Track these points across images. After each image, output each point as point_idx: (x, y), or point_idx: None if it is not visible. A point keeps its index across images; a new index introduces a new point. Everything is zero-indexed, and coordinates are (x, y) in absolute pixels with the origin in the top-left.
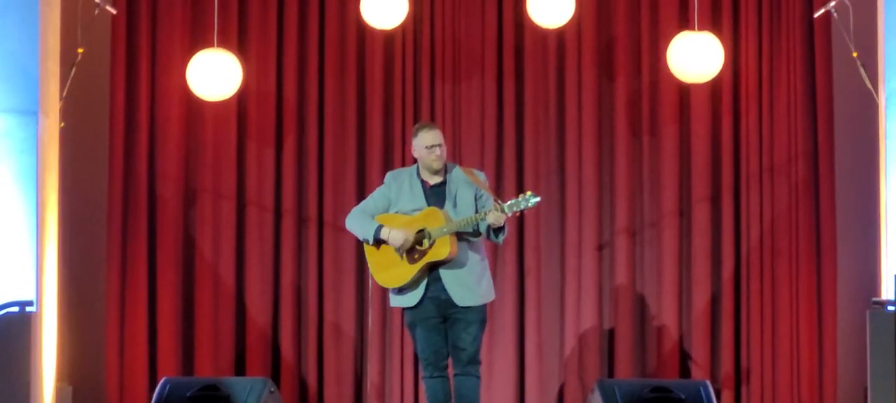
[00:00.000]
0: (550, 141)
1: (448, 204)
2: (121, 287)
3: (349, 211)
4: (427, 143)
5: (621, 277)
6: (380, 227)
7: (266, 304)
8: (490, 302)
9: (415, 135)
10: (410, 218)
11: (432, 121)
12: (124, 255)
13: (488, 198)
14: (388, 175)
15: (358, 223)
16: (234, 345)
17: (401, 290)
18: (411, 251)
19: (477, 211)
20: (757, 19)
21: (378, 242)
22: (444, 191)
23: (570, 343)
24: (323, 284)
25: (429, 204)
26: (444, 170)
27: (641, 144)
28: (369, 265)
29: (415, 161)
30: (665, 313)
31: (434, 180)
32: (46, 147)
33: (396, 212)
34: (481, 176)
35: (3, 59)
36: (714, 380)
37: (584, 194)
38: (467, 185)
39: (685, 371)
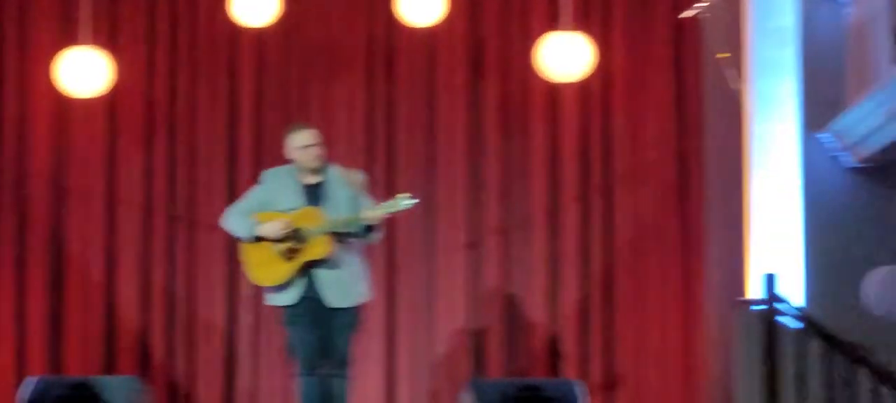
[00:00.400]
0: (421, 140)
1: (325, 204)
2: None
3: (224, 211)
4: (302, 143)
5: (492, 276)
6: (256, 223)
7: (136, 303)
8: (365, 303)
9: (288, 136)
10: (288, 217)
11: (302, 123)
12: None
13: (365, 199)
14: (265, 173)
15: (235, 221)
16: (103, 344)
17: (277, 289)
18: (288, 250)
19: (354, 212)
20: (626, 19)
21: (255, 239)
22: (322, 190)
23: (441, 342)
24: (193, 283)
25: (306, 204)
26: (322, 171)
27: (511, 144)
28: (246, 263)
29: (289, 161)
30: (535, 312)
31: (312, 180)
32: None
33: (274, 212)
34: (359, 176)
35: None
36: (584, 379)
37: (454, 194)
38: (345, 186)
39: (555, 371)
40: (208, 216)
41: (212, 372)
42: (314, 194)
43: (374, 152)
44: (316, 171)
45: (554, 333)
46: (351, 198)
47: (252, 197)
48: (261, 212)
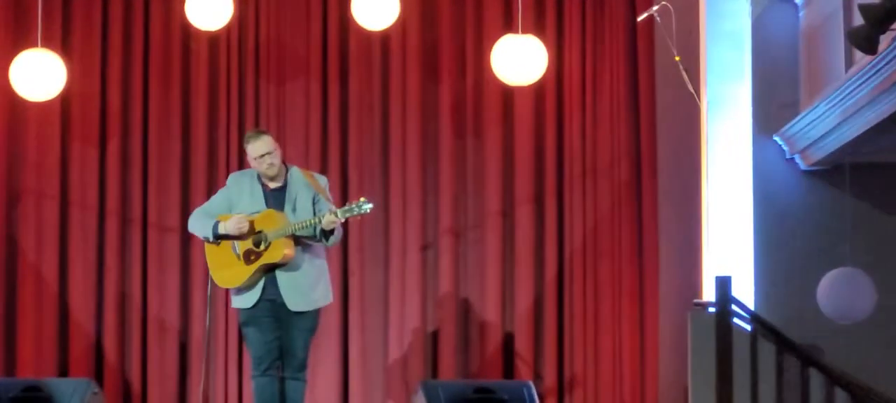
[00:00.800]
0: (375, 143)
1: (288, 208)
2: None
3: (183, 214)
4: (257, 153)
5: (445, 278)
6: (217, 223)
7: (89, 305)
8: (324, 306)
9: (245, 144)
10: (249, 220)
11: (260, 128)
12: None
13: (325, 203)
14: (231, 177)
15: (198, 223)
16: (56, 346)
17: (238, 291)
18: (248, 252)
19: (314, 215)
20: (580, 23)
21: (217, 239)
22: (285, 194)
23: (395, 344)
24: (147, 285)
25: (267, 207)
26: (285, 173)
27: (465, 146)
28: (209, 264)
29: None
30: (489, 314)
31: (274, 184)
32: None
33: (237, 213)
34: (322, 180)
35: None
36: (538, 381)
37: (408, 195)
38: (306, 188)
39: (509, 372)
40: (162, 218)
41: (165, 374)
42: (276, 197)
43: (328, 154)
44: (276, 177)
45: (507, 335)
46: (312, 201)
47: (216, 199)
48: (224, 215)
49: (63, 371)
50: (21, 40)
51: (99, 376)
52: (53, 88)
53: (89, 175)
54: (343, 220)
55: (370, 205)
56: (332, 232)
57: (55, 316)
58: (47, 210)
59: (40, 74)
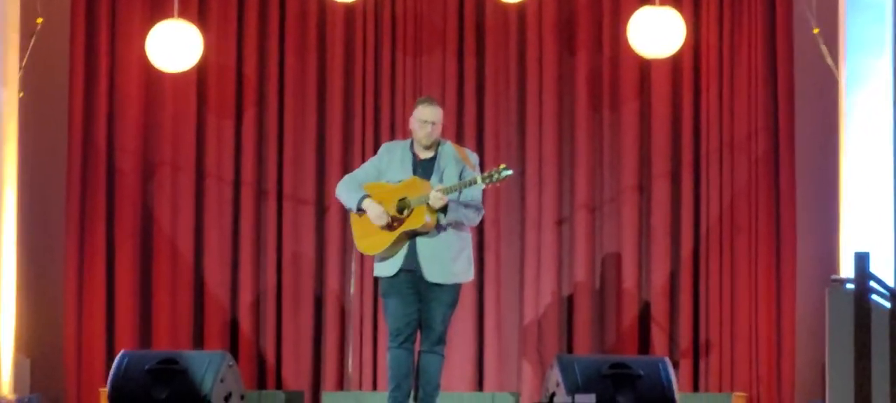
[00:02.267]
0: (511, 116)
1: (434, 178)
2: (79, 260)
3: (321, 186)
4: (421, 117)
5: (581, 252)
6: (363, 197)
7: (225, 277)
8: (464, 282)
9: (415, 106)
10: (394, 187)
11: (433, 98)
12: (82, 228)
13: (470, 171)
14: (383, 146)
15: (346, 191)
16: (192, 318)
17: (381, 259)
18: (390, 219)
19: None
20: None
21: (360, 211)
22: (433, 165)
23: (530, 318)
24: (282, 257)
25: (415, 175)
26: (437, 146)
27: (602, 119)
28: (353, 232)
29: (406, 127)
30: (624, 289)
31: (425, 154)
32: (5, 117)
33: (385, 182)
34: (473, 157)
35: None
36: (673, 356)
37: (544, 169)
38: (456, 161)
39: (644, 347)
40: (297, 190)
41: (300, 346)
42: (425, 167)
43: (463, 128)
44: (430, 147)
45: (643, 310)
46: (459, 174)
47: (366, 167)
48: (372, 183)
49: (198, 344)
50: (158, 11)
51: (234, 348)
52: (189, 59)
53: (225, 146)
54: (484, 186)
55: (509, 171)
56: (468, 206)
57: (191, 289)
58: (183, 181)
59: (177, 45)
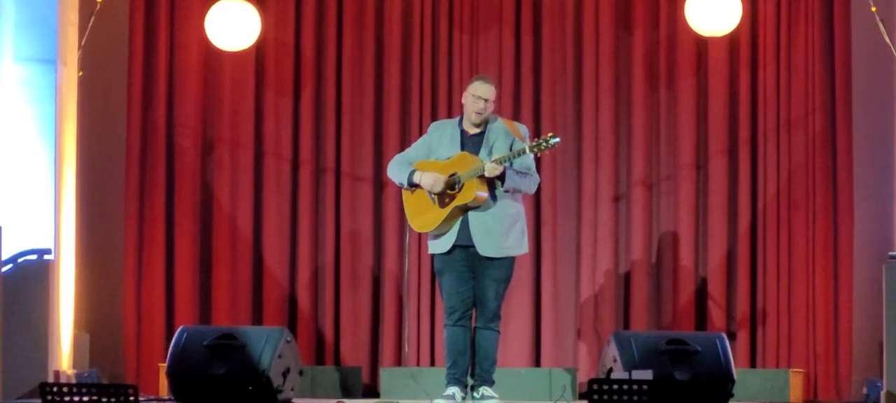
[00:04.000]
0: (567, 93)
1: (483, 152)
2: (138, 236)
3: (379, 163)
4: (476, 93)
5: (637, 229)
6: (413, 171)
7: (283, 254)
8: (519, 255)
9: (471, 82)
10: (444, 164)
11: (489, 77)
12: (142, 204)
13: (521, 143)
14: (432, 125)
15: (396, 169)
16: (250, 294)
17: (436, 236)
18: (442, 195)
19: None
20: None
21: (413, 186)
22: (482, 140)
23: (587, 294)
24: (340, 234)
25: (464, 151)
26: (486, 123)
27: (658, 97)
28: (406, 210)
29: (461, 110)
30: (681, 266)
31: (474, 130)
32: (65, 96)
33: (435, 160)
34: (523, 129)
35: (22, 9)
36: (730, 332)
37: (600, 146)
38: (505, 135)
39: (701, 324)
40: (355, 168)
41: (358, 323)
42: (474, 142)
43: (520, 105)
44: (478, 124)
45: (700, 287)
46: (509, 147)
47: (416, 146)
48: (421, 162)
49: (257, 320)
50: None
51: (292, 324)
52: (248, 38)
53: (283, 124)
54: (534, 155)
55: (557, 139)
56: (502, 176)
57: (249, 265)
58: (242, 159)
59: (235, 24)
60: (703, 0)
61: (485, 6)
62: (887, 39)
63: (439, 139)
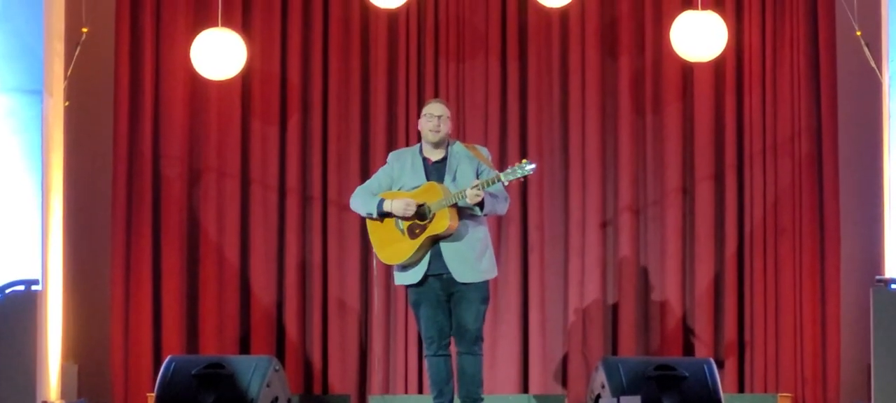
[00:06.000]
0: (554, 119)
1: (448, 179)
2: (125, 266)
3: (354, 191)
4: (428, 111)
5: (625, 255)
6: (382, 201)
7: (270, 283)
8: (492, 278)
9: (425, 106)
10: (411, 194)
11: (441, 99)
12: (129, 234)
13: (490, 172)
14: (391, 155)
15: (361, 201)
16: (238, 324)
17: (404, 267)
18: (412, 226)
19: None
20: None
21: (382, 216)
22: (445, 166)
23: (574, 320)
24: (327, 263)
25: (428, 180)
26: (445, 146)
27: (645, 123)
28: (372, 242)
29: (419, 139)
30: (669, 291)
31: (436, 156)
32: (51, 126)
33: (399, 191)
34: (484, 151)
35: (8, 39)
36: (718, 358)
37: (587, 172)
38: (469, 160)
39: (689, 349)
40: (342, 196)
41: (346, 351)
42: (437, 170)
43: (507, 132)
44: (437, 146)
45: (687, 312)
46: (476, 172)
47: (378, 177)
48: (386, 192)
49: (245, 349)
50: (202, 20)
51: (280, 353)
52: (234, 67)
53: (270, 153)
54: (507, 183)
55: (533, 166)
56: (482, 203)
57: (237, 294)
58: (228, 188)
59: (221, 53)
60: (688, 25)
61: (470, 33)
62: (872, 63)
63: (400, 168)
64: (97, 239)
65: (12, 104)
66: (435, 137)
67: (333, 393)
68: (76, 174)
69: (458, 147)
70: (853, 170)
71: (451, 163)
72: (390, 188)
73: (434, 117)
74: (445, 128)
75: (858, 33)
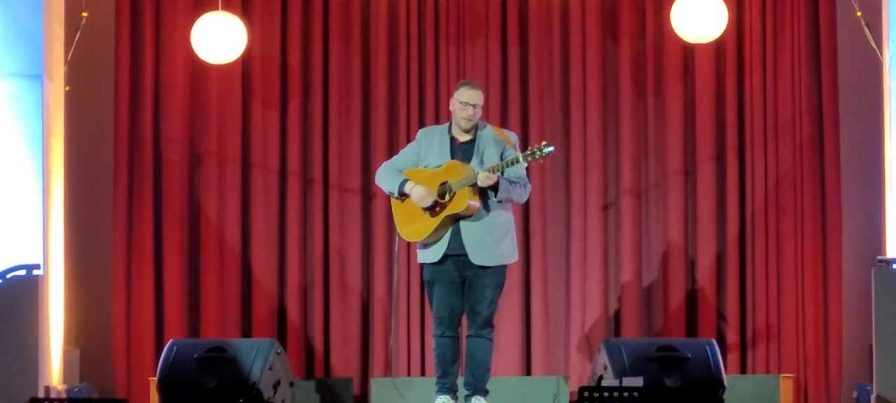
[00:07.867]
0: (555, 103)
1: (474, 161)
2: (127, 250)
3: (367, 174)
4: (462, 99)
5: (627, 237)
6: (404, 181)
7: (272, 266)
8: (510, 263)
9: (457, 88)
10: (434, 172)
11: (474, 81)
12: (130, 218)
13: (512, 153)
14: (420, 132)
15: (385, 177)
16: (240, 307)
17: (425, 246)
18: (433, 204)
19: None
20: None
21: (402, 196)
22: (473, 148)
23: (576, 303)
24: (328, 245)
25: (454, 159)
26: (476, 130)
27: (646, 105)
28: (395, 220)
29: (449, 116)
30: (670, 272)
31: (464, 138)
32: (52, 111)
33: (424, 168)
34: (513, 136)
35: (8, 24)
36: (719, 339)
37: (589, 155)
38: (495, 143)
39: (691, 331)
40: (343, 179)
41: (347, 334)
42: (464, 150)
43: (508, 115)
44: (469, 130)
45: (689, 293)
46: (500, 155)
47: (404, 153)
48: (411, 169)
49: (246, 332)
50: (202, 3)
51: (282, 336)
52: (234, 51)
53: (270, 137)
54: (527, 164)
55: (551, 148)
56: (496, 186)
57: (238, 278)
58: (229, 172)
59: (221, 37)
60: (689, 7)
61: (471, 16)
62: (873, 43)
63: (428, 146)
64: (98, 224)
65: (13, 89)
66: (468, 125)
67: (336, 376)
68: (77, 159)
69: (487, 130)
70: (854, 151)
71: (478, 145)
72: (416, 165)
73: (469, 107)
74: (478, 115)
75: (859, 14)
